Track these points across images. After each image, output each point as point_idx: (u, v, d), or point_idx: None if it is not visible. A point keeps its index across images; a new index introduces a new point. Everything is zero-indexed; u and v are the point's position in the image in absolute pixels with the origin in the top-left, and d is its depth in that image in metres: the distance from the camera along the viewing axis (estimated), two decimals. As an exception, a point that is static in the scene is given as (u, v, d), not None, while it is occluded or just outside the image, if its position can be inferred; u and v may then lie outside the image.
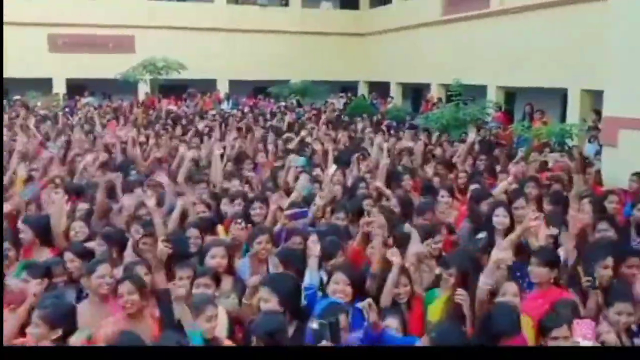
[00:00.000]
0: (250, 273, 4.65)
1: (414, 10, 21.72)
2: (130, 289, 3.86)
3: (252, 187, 7.29)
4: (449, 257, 4.41)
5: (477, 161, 8.78)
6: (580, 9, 13.77)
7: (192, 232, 5.18)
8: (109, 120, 14.38)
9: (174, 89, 22.67)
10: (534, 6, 15.37)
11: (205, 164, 8.69)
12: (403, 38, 22.32)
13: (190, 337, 3.45)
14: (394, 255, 4.20)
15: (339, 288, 4.05)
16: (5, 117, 13.77)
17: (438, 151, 10.13)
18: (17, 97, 19.93)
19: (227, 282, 4.43)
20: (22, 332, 3.71)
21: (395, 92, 23.44)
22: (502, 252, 4.12)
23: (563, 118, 14.90)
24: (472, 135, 9.24)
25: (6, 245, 4.90)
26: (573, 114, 14.22)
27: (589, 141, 11.77)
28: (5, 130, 11.22)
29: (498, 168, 8.30)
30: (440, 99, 18.89)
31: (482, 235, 5.27)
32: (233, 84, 24.43)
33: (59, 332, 3.54)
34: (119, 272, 4.36)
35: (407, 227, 5.09)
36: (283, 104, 20.57)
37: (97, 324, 3.77)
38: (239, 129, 11.65)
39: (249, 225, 5.26)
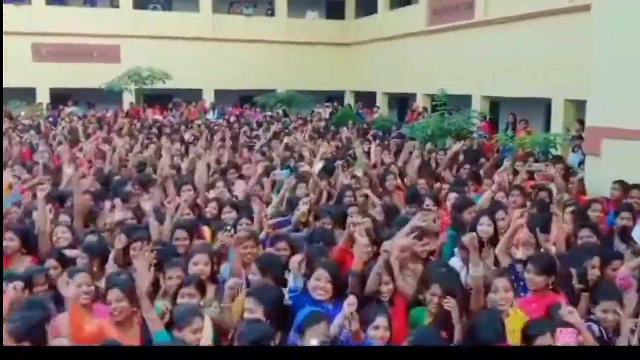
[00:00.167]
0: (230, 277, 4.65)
1: (399, 21, 21.87)
2: (119, 296, 3.85)
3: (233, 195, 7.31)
4: (429, 275, 4.34)
5: (460, 170, 8.81)
6: (563, 20, 13.92)
7: (180, 234, 5.16)
8: (94, 130, 14.28)
9: (159, 99, 22.60)
10: (518, 17, 15.52)
11: (189, 170, 8.68)
12: (389, 48, 22.44)
13: (156, 337, 3.41)
14: (387, 247, 4.26)
15: (320, 285, 4.06)
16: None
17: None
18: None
19: (210, 290, 4.39)
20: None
21: (381, 102, 23.54)
22: (474, 239, 4.22)
23: (547, 128, 15.03)
24: (456, 146, 9.28)
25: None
26: (557, 124, 14.35)
27: (573, 151, 11.88)
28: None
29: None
30: (425, 109, 18.99)
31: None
32: (219, 93, 24.41)
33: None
34: (101, 284, 4.32)
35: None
36: (269, 113, 20.57)
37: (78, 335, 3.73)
38: (223, 139, 11.61)
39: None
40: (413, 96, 21.23)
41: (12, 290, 3.94)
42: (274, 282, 4.36)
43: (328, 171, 8.18)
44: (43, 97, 22.68)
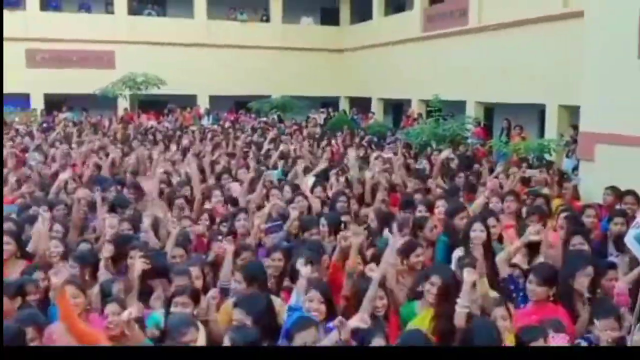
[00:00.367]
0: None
1: (394, 27, 21.91)
2: (116, 309, 3.85)
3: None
4: (430, 269, 4.37)
5: (455, 179, 8.79)
6: (556, 26, 13.98)
7: (177, 252, 5.16)
8: (88, 136, 14.24)
9: (153, 105, 22.56)
10: (511, 23, 15.56)
11: (184, 179, 8.66)
12: (383, 54, 22.47)
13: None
14: (372, 270, 4.16)
15: (314, 306, 3.99)
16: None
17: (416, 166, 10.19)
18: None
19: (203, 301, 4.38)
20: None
21: (376, 107, 23.55)
22: (473, 274, 3.99)
23: (541, 133, 15.06)
24: (444, 153, 9.28)
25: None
26: (551, 129, 14.38)
27: (567, 156, 11.91)
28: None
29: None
30: (420, 115, 19.01)
31: (459, 253, 5.25)
32: (213, 99, 24.38)
33: None
34: (92, 292, 4.31)
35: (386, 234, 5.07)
36: (264, 119, 20.55)
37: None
38: (217, 144, 11.61)
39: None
40: (408, 102, 21.26)
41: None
42: (260, 290, 4.33)
43: (323, 178, 8.19)
44: (37, 103, 22.61)
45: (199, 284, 4.52)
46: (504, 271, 4.80)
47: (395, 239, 4.82)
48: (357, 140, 14.49)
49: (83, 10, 24.50)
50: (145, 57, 21.94)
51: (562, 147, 12.46)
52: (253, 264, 4.80)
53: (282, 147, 10.59)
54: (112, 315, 3.84)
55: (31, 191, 7.55)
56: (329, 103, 25.19)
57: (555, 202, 7.36)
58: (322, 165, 8.61)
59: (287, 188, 7.49)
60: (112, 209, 6.56)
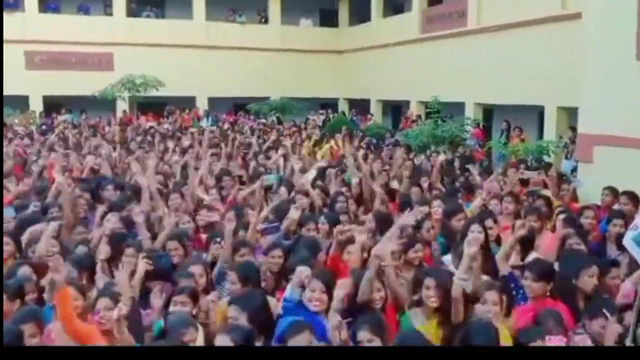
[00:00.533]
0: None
1: (392, 28, 21.93)
2: (107, 304, 3.85)
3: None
4: (420, 274, 4.33)
5: (455, 182, 8.78)
6: (555, 28, 14.00)
7: (172, 245, 5.16)
8: (87, 138, 14.23)
9: (152, 106, 22.55)
10: (510, 25, 15.59)
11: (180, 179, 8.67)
12: (382, 56, 22.49)
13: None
14: (377, 252, 4.17)
15: (315, 296, 4.00)
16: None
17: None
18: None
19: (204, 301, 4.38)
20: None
21: (375, 109, 23.57)
22: (473, 246, 4.09)
23: (540, 135, 15.07)
24: (442, 156, 9.29)
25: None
26: (550, 131, 14.39)
27: (566, 158, 11.92)
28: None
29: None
30: (419, 116, 19.02)
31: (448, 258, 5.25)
32: (212, 101, 24.39)
33: None
34: (90, 295, 4.31)
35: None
36: (263, 121, 20.56)
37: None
38: (215, 145, 11.59)
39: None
40: (407, 103, 21.27)
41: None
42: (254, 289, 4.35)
43: (321, 178, 8.20)
44: (36, 105, 22.59)
45: (203, 282, 4.51)
46: (504, 269, 4.81)
47: (405, 216, 4.92)
48: (356, 141, 14.47)
49: (82, 12, 24.49)
50: (144, 59, 21.95)
51: (561, 148, 12.47)
52: (247, 265, 4.81)
53: (281, 150, 10.56)
54: (104, 310, 3.84)
55: (27, 190, 7.56)
56: (328, 105, 25.20)
57: (554, 204, 7.36)
58: (322, 163, 8.60)
59: (282, 189, 7.51)
60: (112, 208, 6.55)
